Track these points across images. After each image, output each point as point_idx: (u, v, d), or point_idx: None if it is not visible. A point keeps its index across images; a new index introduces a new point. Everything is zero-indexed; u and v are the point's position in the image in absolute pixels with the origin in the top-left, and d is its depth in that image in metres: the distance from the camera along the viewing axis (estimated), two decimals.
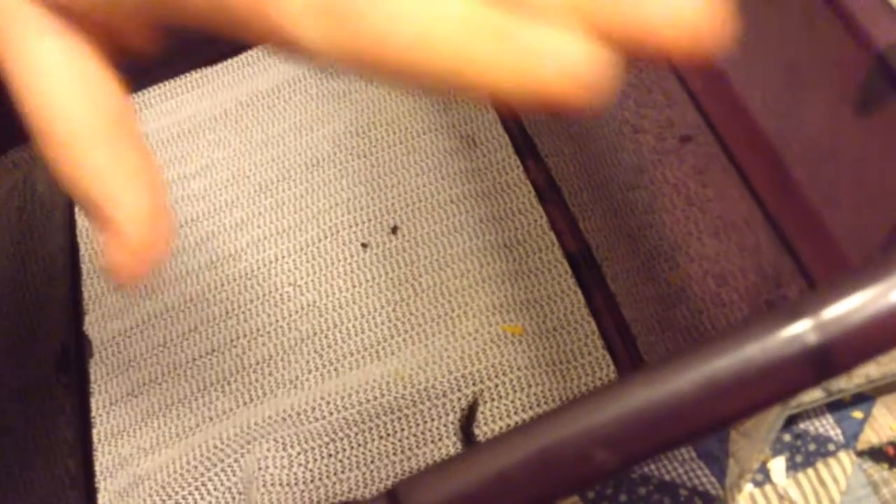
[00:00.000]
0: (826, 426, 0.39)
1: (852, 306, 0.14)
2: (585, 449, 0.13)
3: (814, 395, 0.37)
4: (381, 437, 0.41)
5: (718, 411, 0.14)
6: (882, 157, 0.17)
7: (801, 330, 0.14)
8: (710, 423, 0.14)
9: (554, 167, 0.48)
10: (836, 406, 0.39)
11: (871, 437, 0.39)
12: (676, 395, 0.14)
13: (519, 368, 0.42)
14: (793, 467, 0.38)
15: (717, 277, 0.30)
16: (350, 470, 0.41)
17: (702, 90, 0.26)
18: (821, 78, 0.20)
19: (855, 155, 0.19)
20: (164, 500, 0.40)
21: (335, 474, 0.41)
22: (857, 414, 0.39)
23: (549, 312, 0.43)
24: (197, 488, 0.41)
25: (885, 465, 0.38)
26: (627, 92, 0.38)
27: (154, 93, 0.54)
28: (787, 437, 0.39)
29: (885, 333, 0.14)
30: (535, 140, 0.49)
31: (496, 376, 0.42)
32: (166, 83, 0.54)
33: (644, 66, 0.31)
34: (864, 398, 0.40)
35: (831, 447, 0.39)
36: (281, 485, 0.40)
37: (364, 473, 0.41)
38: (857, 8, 0.18)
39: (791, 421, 0.39)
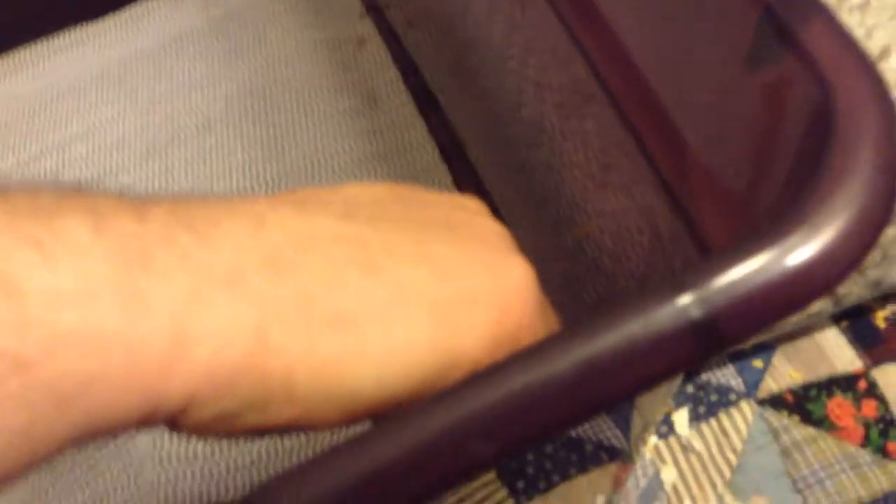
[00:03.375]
0: (727, 376, 0.39)
1: (737, 277, 0.13)
2: (460, 439, 0.13)
3: None
4: None
5: (600, 393, 0.13)
6: (772, 114, 0.16)
7: (684, 303, 0.13)
8: (593, 406, 0.13)
9: (457, 124, 0.47)
10: (737, 356, 0.40)
11: (772, 385, 0.39)
12: (555, 379, 0.13)
13: None
14: (696, 418, 0.39)
15: (614, 235, 0.29)
16: (253, 441, 0.39)
17: (595, 50, 0.25)
18: (711, 34, 0.19)
19: (745, 112, 0.18)
20: (52, 485, 0.39)
21: (237, 445, 0.39)
22: (758, 363, 0.40)
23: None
24: (90, 468, 0.39)
25: (785, 413, 0.39)
26: (529, 49, 0.36)
27: (30, 52, 0.50)
28: (689, 388, 0.39)
29: (771, 304, 0.13)
30: (437, 97, 0.48)
31: None
32: (43, 41, 0.51)
33: (537, 20, 0.30)
34: (764, 347, 0.40)
35: (733, 397, 0.39)
36: (179, 460, 0.38)
37: (268, 445, 0.40)
38: None
39: (693, 372, 0.40)
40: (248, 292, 0.15)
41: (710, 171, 0.19)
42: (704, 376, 0.40)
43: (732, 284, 0.13)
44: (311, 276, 0.16)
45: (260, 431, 0.15)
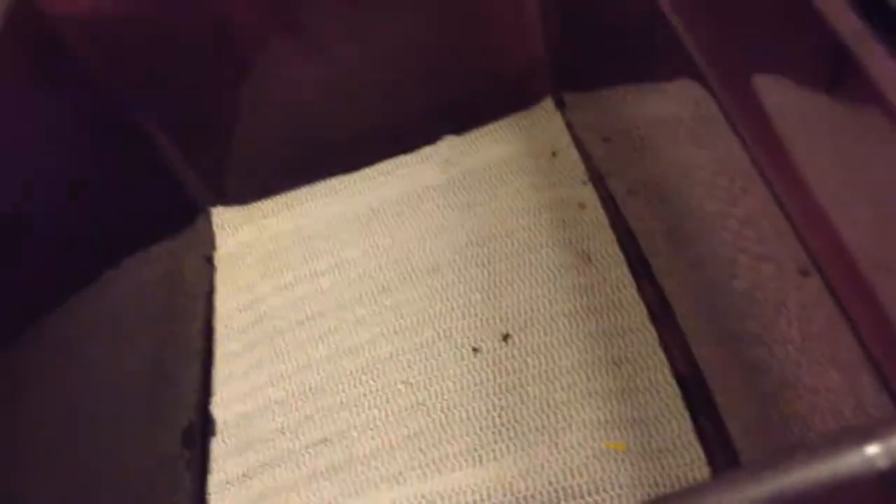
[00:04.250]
0: None
1: None
2: None
3: None
4: None
5: None
6: None
7: (871, 452, 0.14)
8: None
9: (668, 288, 0.48)
10: None
11: None
12: None
13: (621, 486, 0.42)
14: None
15: (823, 414, 0.29)
16: None
17: (806, 229, 0.27)
18: None
19: None
20: None
21: None
22: None
23: (655, 433, 0.43)
24: None
25: None
26: (746, 222, 0.38)
27: (295, 195, 0.59)
28: None
29: None
30: (650, 260, 0.50)
31: (597, 492, 0.42)
32: (306, 187, 0.59)
33: (755, 197, 0.32)
34: None
35: None
36: None
37: None
38: None
39: None
40: None
41: None
42: None
43: None
44: None
45: None
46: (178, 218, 0.58)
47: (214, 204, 0.59)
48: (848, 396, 0.27)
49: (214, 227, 0.58)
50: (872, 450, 0.14)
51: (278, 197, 0.59)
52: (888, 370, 0.22)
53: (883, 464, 0.14)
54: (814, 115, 0.29)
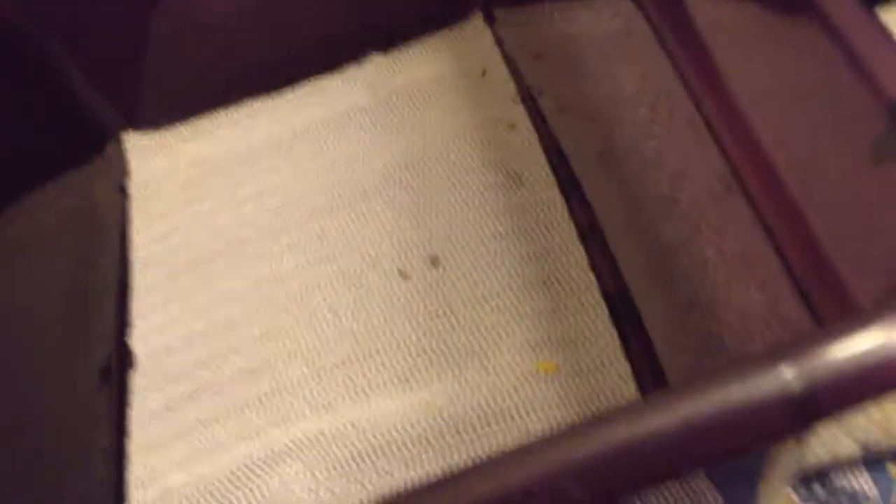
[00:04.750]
0: (862, 482, 0.38)
1: (840, 353, 0.14)
2: (557, 483, 0.13)
3: (851, 450, 0.36)
4: (407, 467, 0.41)
5: (694, 453, 0.14)
6: (892, 204, 0.17)
7: (782, 374, 0.14)
8: (686, 464, 0.14)
9: (597, 208, 0.48)
10: (874, 463, 0.38)
11: None
12: (652, 435, 0.14)
13: (550, 406, 0.42)
14: None
15: (743, 330, 0.29)
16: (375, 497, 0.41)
17: (731, 144, 0.26)
18: (839, 130, 0.19)
19: (869, 204, 0.18)
20: None
21: (360, 501, 0.41)
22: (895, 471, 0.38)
23: (584, 352, 0.43)
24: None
25: None
26: (669, 142, 0.38)
27: (213, 119, 0.56)
28: (821, 492, 0.38)
29: (871, 382, 0.14)
30: (580, 181, 0.49)
31: (526, 413, 0.42)
32: (225, 110, 0.56)
33: (678, 114, 0.31)
34: None
35: None
36: None
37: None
38: (875, 62, 0.18)
39: (826, 475, 0.38)
40: None
41: (834, 260, 0.20)
42: (837, 481, 0.38)
43: (833, 358, 0.13)
44: None
45: None
46: (88, 146, 0.55)
47: (126, 129, 0.56)
48: (769, 314, 0.27)
49: (127, 155, 0.55)
50: (787, 372, 0.14)
51: (195, 121, 0.56)
52: (808, 286, 0.22)
53: (797, 386, 0.14)
54: (740, 29, 0.28)
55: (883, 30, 0.19)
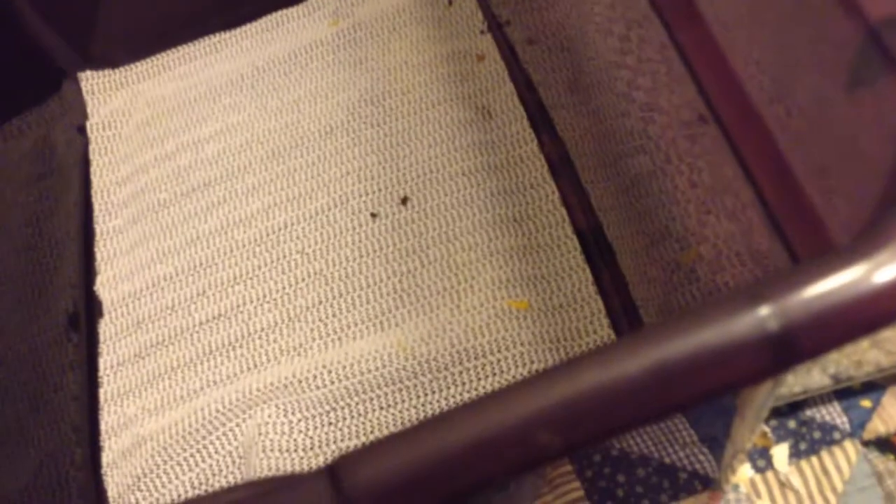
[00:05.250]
0: (833, 414, 0.38)
1: (816, 291, 0.13)
2: (528, 431, 0.13)
3: (822, 382, 0.37)
4: (381, 408, 0.41)
5: (668, 397, 0.13)
6: (869, 135, 0.16)
7: (761, 314, 0.13)
8: (660, 409, 0.13)
9: (569, 142, 0.47)
10: (845, 394, 0.38)
11: (879, 426, 0.38)
12: (625, 379, 0.13)
13: (522, 344, 0.42)
14: (796, 454, 0.38)
15: (715, 262, 0.29)
16: (349, 439, 0.41)
17: (705, 73, 0.25)
18: (815, 57, 0.19)
19: (844, 133, 0.18)
20: (165, 461, 0.41)
21: (334, 443, 0.41)
22: (866, 403, 0.38)
23: (556, 289, 0.43)
24: (199, 451, 0.41)
25: (892, 456, 0.37)
26: (639, 70, 0.37)
27: (172, 56, 0.54)
28: (791, 424, 0.38)
29: (850, 322, 0.13)
30: (551, 114, 0.48)
31: (499, 351, 0.41)
32: (184, 46, 0.54)
33: (649, 41, 0.30)
34: (874, 387, 0.39)
35: (837, 435, 0.38)
36: (280, 451, 0.40)
37: (363, 443, 0.41)
38: None
39: (797, 407, 0.38)
40: None
41: (809, 192, 0.19)
42: (809, 412, 0.39)
43: (812, 298, 0.13)
44: None
45: None
46: (44, 85, 0.53)
47: (83, 69, 0.53)
48: (741, 246, 0.26)
49: (85, 94, 0.53)
50: (763, 311, 0.13)
51: (153, 58, 0.54)
52: (782, 219, 0.21)
53: (775, 326, 0.13)
54: None
55: None
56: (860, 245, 0.13)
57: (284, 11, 0.55)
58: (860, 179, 0.17)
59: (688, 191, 0.34)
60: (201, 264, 0.46)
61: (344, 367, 0.42)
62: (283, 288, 0.45)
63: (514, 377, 0.41)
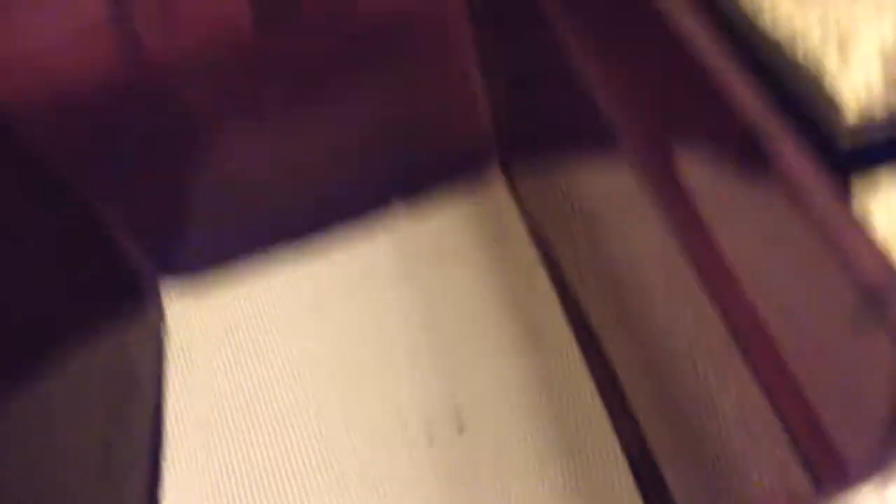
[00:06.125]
0: None
1: None
2: None
3: None
4: None
5: None
6: (867, 375, 0.18)
7: None
8: None
9: (621, 376, 0.49)
10: None
11: None
12: None
13: None
14: None
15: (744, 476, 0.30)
16: None
17: (732, 312, 0.28)
18: (818, 304, 0.21)
19: (854, 370, 0.20)
20: None
21: None
22: None
23: None
24: None
25: None
26: (679, 308, 0.39)
27: (247, 274, 0.58)
28: None
29: None
30: (602, 344, 0.50)
31: None
32: (258, 260, 0.58)
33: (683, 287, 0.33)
34: None
35: None
36: None
37: None
38: (849, 249, 0.20)
39: None
40: None
41: (826, 423, 0.21)
42: None
43: None
44: None
45: None
46: (125, 294, 0.56)
47: (162, 278, 0.58)
48: (774, 478, 0.27)
49: (164, 308, 0.57)
50: None
51: (229, 271, 0.59)
52: (804, 447, 0.23)
53: None
54: (734, 203, 0.30)
55: (854, 217, 0.21)
56: (871, 470, 0.15)
57: (348, 235, 0.59)
58: (868, 408, 0.18)
59: (732, 417, 0.35)
60: (264, 484, 0.48)
61: None
62: None
63: None
